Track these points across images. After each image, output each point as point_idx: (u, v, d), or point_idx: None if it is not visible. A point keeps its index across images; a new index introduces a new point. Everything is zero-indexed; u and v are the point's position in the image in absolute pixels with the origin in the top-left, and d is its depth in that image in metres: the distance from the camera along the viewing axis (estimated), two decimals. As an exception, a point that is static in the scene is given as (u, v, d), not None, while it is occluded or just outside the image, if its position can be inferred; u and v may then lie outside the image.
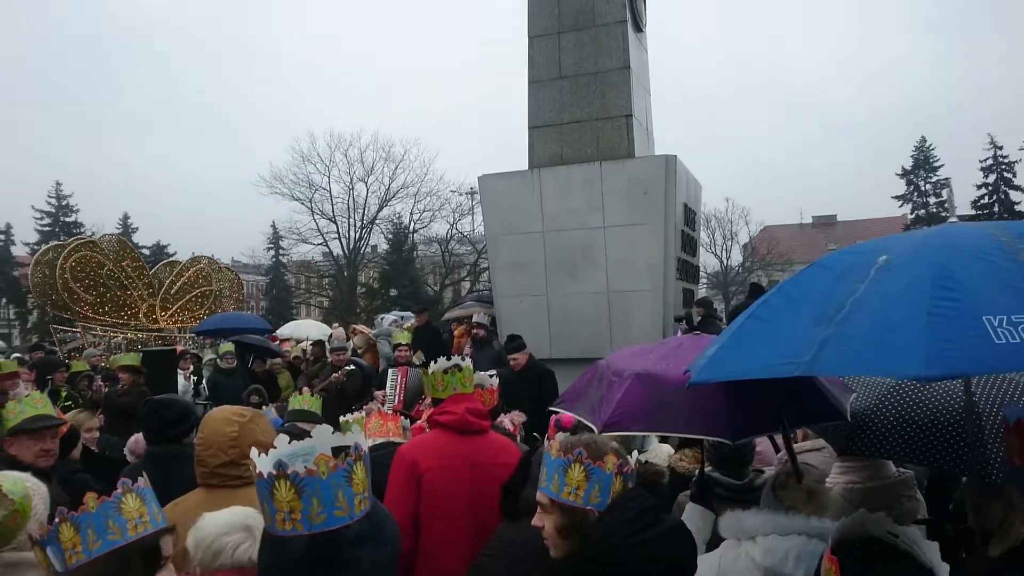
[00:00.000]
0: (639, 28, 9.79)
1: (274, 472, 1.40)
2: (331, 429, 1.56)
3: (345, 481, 1.45)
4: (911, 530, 1.51)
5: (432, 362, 3.19)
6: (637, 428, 2.76)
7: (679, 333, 8.60)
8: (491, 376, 4.28)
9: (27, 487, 2.22)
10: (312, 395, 5.71)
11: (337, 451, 1.48)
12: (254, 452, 1.47)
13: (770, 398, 2.50)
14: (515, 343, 7.37)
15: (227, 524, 2.06)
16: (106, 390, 7.79)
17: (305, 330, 15.57)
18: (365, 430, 4.76)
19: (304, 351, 11.24)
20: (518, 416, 4.80)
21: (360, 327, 12.36)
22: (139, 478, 1.69)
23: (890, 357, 1.58)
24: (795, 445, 3.05)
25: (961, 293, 1.59)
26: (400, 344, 8.85)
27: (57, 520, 1.55)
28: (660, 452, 4.49)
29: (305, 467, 1.41)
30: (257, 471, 1.42)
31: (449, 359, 3.17)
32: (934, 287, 1.63)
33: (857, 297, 1.77)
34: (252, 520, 2.11)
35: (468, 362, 3.17)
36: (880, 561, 1.50)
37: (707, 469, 3.18)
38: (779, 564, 1.75)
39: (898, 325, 1.61)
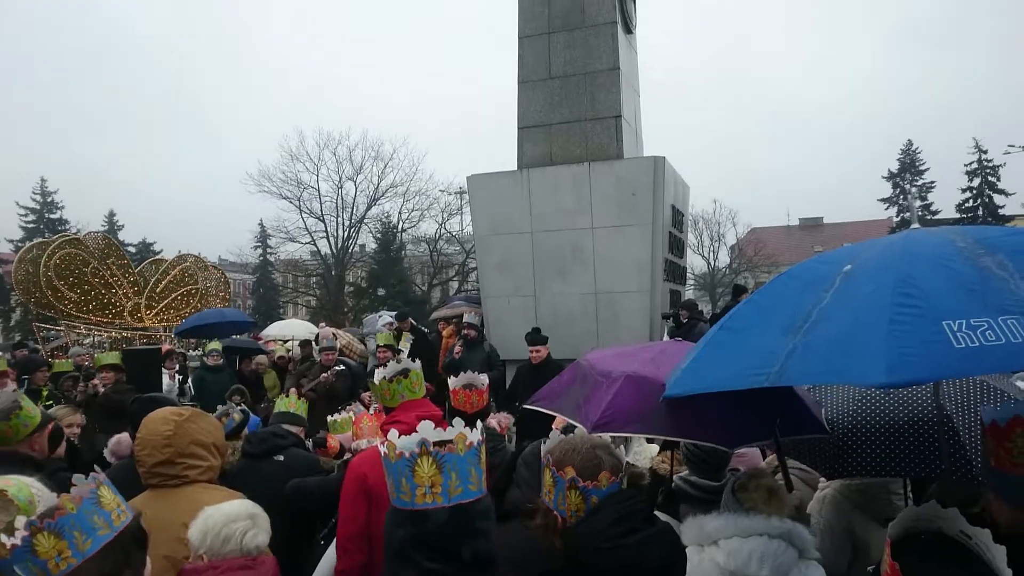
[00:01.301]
0: (629, 29, 9.81)
1: (417, 450, 1.56)
2: (432, 425, 1.70)
3: (476, 459, 1.61)
4: (984, 532, 1.47)
5: (382, 367, 3.17)
6: (630, 429, 2.74)
7: (667, 330, 8.65)
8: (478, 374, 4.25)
9: (32, 493, 2.16)
10: (300, 396, 5.70)
11: (440, 444, 1.63)
12: (393, 435, 1.61)
13: (765, 406, 2.51)
14: (538, 335, 7.43)
15: (233, 513, 2.17)
16: (102, 389, 7.70)
17: (291, 329, 15.45)
18: (357, 430, 4.75)
19: (288, 350, 11.17)
20: (505, 419, 4.79)
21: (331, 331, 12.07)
22: (95, 471, 1.66)
23: (854, 365, 1.60)
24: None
25: (922, 300, 1.61)
26: (380, 346, 8.85)
27: (27, 533, 1.46)
28: (645, 453, 4.49)
29: (445, 437, 1.59)
30: (397, 451, 1.56)
31: (419, 358, 3.13)
32: (895, 294, 1.64)
33: (823, 306, 1.79)
34: (255, 509, 2.23)
35: (416, 365, 3.13)
36: (948, 561, 1.44)
37: (684, 473, 3.18)
38: (743, 566, 1.74)
39: (861, 333, 1.63)
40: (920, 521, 1.52)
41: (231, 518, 2.13)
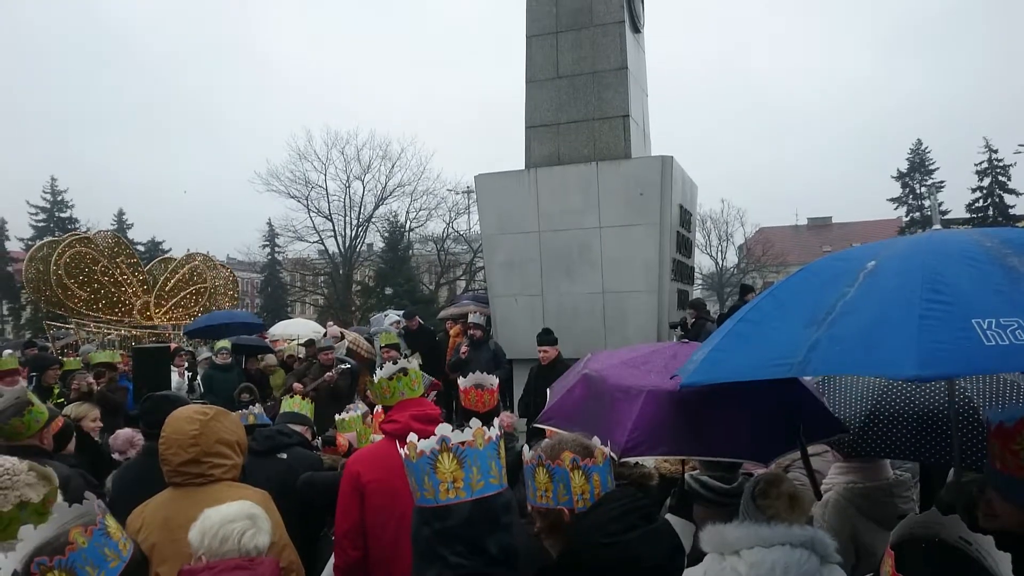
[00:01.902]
0: (637, 29, 9.78)
1: (437, 447, 1.57)
2: (450, 427, 1.72)
3: (495, 453, 1.63)
4: (985, 538, 1.45)
5: (379, 368, 3.19)
6: (660, 451, 2.62)
7: (675, 337, 8.63)
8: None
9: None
10: (303, 395, 5.73)
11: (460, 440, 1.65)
12: (413, 437, 1.64)
13: (788, 415, 2.51)
14: (549, 336, 7.45)
15: (231, 513, 2.16)
16: (96, 387, 7.74)
17: (296, 328, 15.46)
18: (375, 422, 4.77)
19: (294, 349, 11.20)
20: (507, 417, 4.80)
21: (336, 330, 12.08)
22: (85, 496, 1.64)
23: (883, 358, 1.60)
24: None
25: (951, 296, 1.62)
26: (384, 346, 8.87)
27: (35, 573, 1.40)
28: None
29: (464, 439, 1.60)
30: (418, 451, 1.57)
31: (437, 359, 3.15)
32: (924, 290, 1.65)
33: (847, 300, 1.79)
34: (255, 510, 2.21)
35: (415, 364, 3.16)
36: (947, 567, 1.42)
37: (695, 472, 3.16)
38: None
39: (890, 327, 1.63)
40: (919, 528, 1.51)
41: (228, 519, 2.13)
